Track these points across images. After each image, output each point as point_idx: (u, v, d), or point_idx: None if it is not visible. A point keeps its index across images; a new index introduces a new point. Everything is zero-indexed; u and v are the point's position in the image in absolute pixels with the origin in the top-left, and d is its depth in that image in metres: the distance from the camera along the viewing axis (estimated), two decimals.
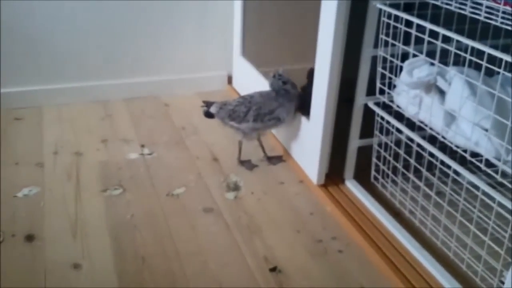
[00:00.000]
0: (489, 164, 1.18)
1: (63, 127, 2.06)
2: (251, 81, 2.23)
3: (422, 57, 1.29)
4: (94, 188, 1.67)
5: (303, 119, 1.76)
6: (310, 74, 1.68)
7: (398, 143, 1.49)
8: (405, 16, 1.30)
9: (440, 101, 1.27)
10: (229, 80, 2.45)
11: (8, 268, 1.32)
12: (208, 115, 1.83)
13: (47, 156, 1.84)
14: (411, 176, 1.45)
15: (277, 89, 1.76)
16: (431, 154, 1.33)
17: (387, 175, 1.56)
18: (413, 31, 1.27)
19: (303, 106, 1.75)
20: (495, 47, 1.07)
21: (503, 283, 1.06)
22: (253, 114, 1.74)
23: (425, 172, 1.38)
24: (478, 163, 1.19)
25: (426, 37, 1.23)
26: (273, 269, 1.36)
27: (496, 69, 1.07)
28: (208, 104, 1.84)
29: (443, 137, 1.28)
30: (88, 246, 1.41)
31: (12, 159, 1.80)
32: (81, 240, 1.43)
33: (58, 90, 2.21)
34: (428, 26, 1.22)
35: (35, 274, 1.31)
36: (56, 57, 2.16)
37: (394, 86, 1.43)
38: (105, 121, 2.12)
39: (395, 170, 1.52)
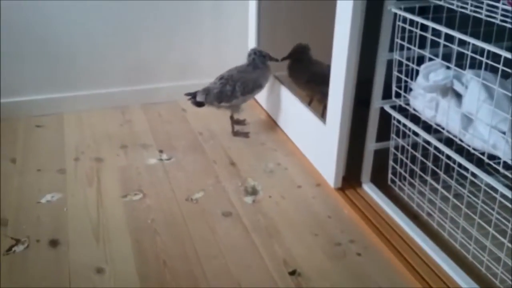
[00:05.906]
0: (507, 166, 1.18)
1: (84, 133, 2.10)
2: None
3: (438, 60, 1.30)
4: (115, 193, 1.70)
5: (320, 122, 1.77)
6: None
7: (414, 145, 1.49)
8: (420, 20, 1.30)
9: (456, 104, 1.28)
10: None
11: (34, 272, 1.36)
12: (197, 104, 1.98)
13: (69, 162, 1.88)
14: (428, 178, 1.46)
15: (257, 63, 2.02)
16: (448, 157, 1.33)
17: (404, 178, 1.56)
18: (428, 35, 1.28)
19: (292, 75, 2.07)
20: (511, 49, 1.07)
21: None
22: (240, 89, 1.96)
23: (442, 175, 1.38)
24: (496, 166, 1.19)
25: (442, 41, 1.24)
26: (293, 273, 1.37)
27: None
28: (192, 94, 1.99)
29: (460, 140, 1.29)
30: (110, 250, 1.45)
31: (35, 166, 1.84)
32: (104, 244, 1.47)
33: (77, 97, 2.26)
34: (444, 29, 1.23)
35: (60, 279, 1.34)
36: (74, 64, 2.20)
37: (410, 90, 1.44)
38: (124, 127, 2.16)
39: (412, 173, 1.53)
